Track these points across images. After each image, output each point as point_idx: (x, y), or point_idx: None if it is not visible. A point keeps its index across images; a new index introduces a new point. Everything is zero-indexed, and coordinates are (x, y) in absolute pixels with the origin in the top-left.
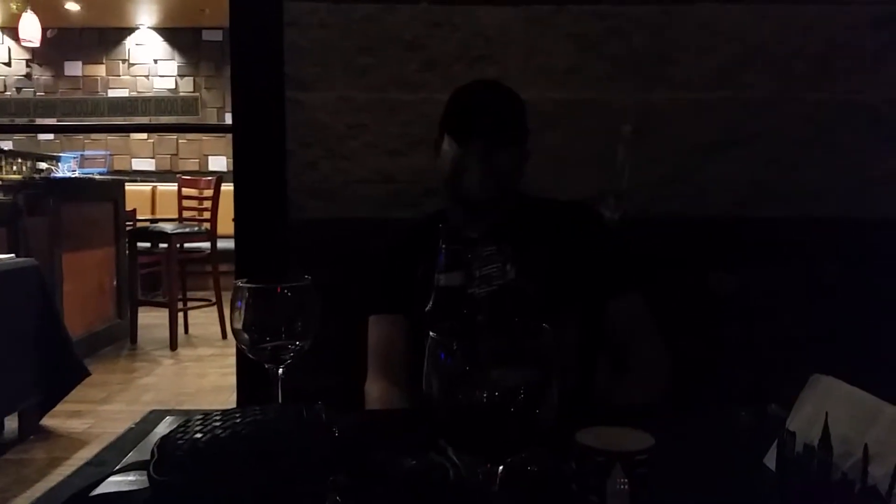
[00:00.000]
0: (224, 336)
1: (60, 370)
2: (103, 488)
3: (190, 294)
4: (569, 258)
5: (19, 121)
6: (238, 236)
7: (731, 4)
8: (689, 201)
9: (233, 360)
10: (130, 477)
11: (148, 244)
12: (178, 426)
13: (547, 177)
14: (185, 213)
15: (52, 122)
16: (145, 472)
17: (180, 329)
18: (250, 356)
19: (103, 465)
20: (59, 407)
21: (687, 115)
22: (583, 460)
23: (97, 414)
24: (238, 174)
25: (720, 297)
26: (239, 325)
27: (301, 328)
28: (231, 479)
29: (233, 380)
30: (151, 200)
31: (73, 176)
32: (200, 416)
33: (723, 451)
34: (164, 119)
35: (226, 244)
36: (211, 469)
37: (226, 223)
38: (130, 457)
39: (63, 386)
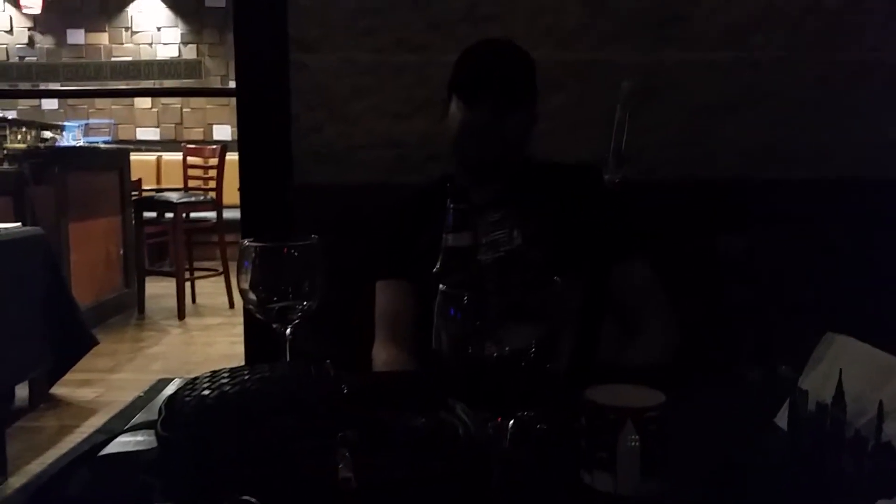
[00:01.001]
0: (231, 305)
1: (69, 339)
2: (111, 448)
3: (196, 264)
4: (576, 223)
5: (22, 86)
6: (243, 200)
7: None
8: (698, 163)
9: (240, 328)
10: (139, 437)
11: (154, 214)
12: (186, 384)
13: (554, 140)
14: (191, 183)
15: (55, 87)
16: (153, 433)
17: (188, 299)
18: (258, 316)
19: (112, 432)
20: (69, 376)
21: (697, 76)
22: (593, 417)
23: (106, 383)
24: (242, 138)
25: (728, 260)
26: (246, 285)
27: (308, 288)
28: (239, 435)
29: (241, 349)
30: (156, 170)
31: (78, 145)
32: (208, 374)
33: (733, 409)
34: (168, 83)
35: (232, 214)
36: (218, 425)
37: (231, 193)
38: (138, 418)
39: (72, 355)
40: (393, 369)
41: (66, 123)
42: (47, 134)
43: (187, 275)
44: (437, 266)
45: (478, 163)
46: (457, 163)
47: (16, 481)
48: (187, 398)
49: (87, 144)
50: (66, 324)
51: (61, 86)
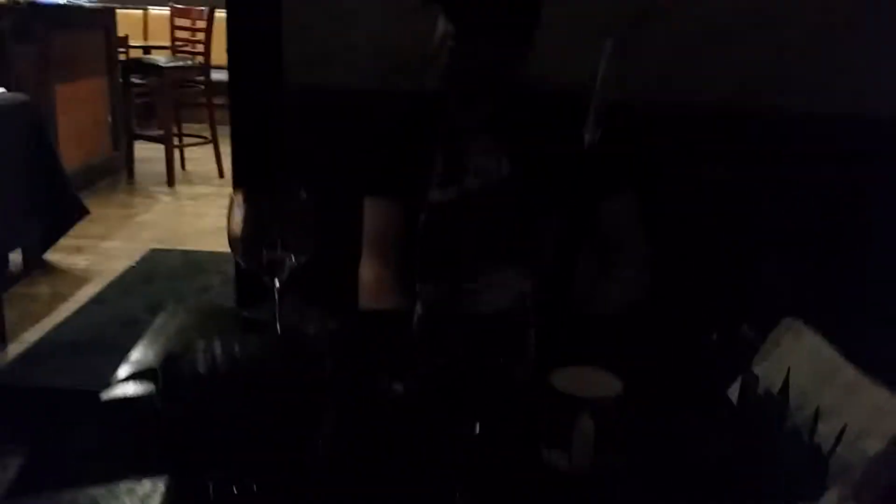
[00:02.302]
0: (221, 175)
1: (59, 206)
2: (112, 392)
3: (186, 126)
4: (564, 153)
5: None
6: (233, 100)
7: None
8: (693, 88)
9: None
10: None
11: (141, 77)
12: (182, 350)
13: (547, 58)
14: (178, 43)
15: None
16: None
17: (177, 165)
18: (244, 266)
19: (105, 302)
20: (61, 242)
21: None
22: (553, 403)
23: (98, 250)
24: (231, 35)
25: (713, 190)
26: (235, 235)
27: (296, 243)
28: (232, 413)
29: None
30: (143, 26)
31: (62, 2)
32: (202, 344)
33: (690, 381)
34: None
35: (220, 75)
36: (212, 404)
37: (220, 52)
38: (131, 287)
39: (63, 222)
40: (378, 289)
41: None
42: None
43: (176, 141)
44: (422, 218)
45: (462, 87)
46: (445, 85)
47: (14, 349)
48: (184, 369)
49: (70, 2)
50: (56, 193)
51: None
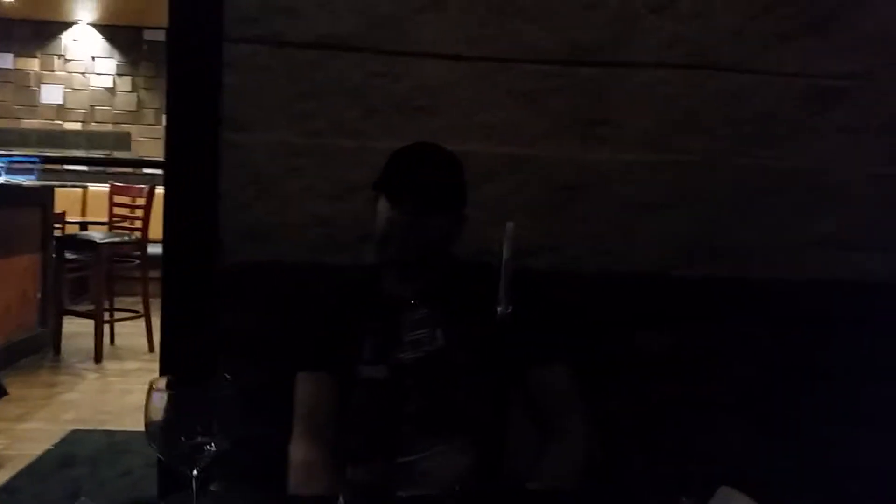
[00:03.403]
0: (151, 349)
1: None
2: None
3: (118, 300)
4: (492, 324)
5: None
6: (166, 277)
7: (668, 70)
8: (622, 257)
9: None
10: None
11: (75, 252)
12: None
13: (483, 231)
14: (116, 219)
15: None
16: None
17: (106, 339)
18: (163, 459)
19: (16, 491)
20: None
21: (622, 174)
22: None
23: (13, 433)
24: (168, 214)
25: (649, 356)
26: (152, 422)
27: (218, 430)
28: None
29: None
30: (82, 202)
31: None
32: None
33: None
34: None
35: (157, 249)
36: None
37: (159, 227)
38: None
39: None
40: (308, 467)
41: None
42: None
43: (107, 316)
44: (354, 398)
45: (401, 262)
46: (380, 260)
47: None
48: None
49: (8, 181)
50: None
51: None
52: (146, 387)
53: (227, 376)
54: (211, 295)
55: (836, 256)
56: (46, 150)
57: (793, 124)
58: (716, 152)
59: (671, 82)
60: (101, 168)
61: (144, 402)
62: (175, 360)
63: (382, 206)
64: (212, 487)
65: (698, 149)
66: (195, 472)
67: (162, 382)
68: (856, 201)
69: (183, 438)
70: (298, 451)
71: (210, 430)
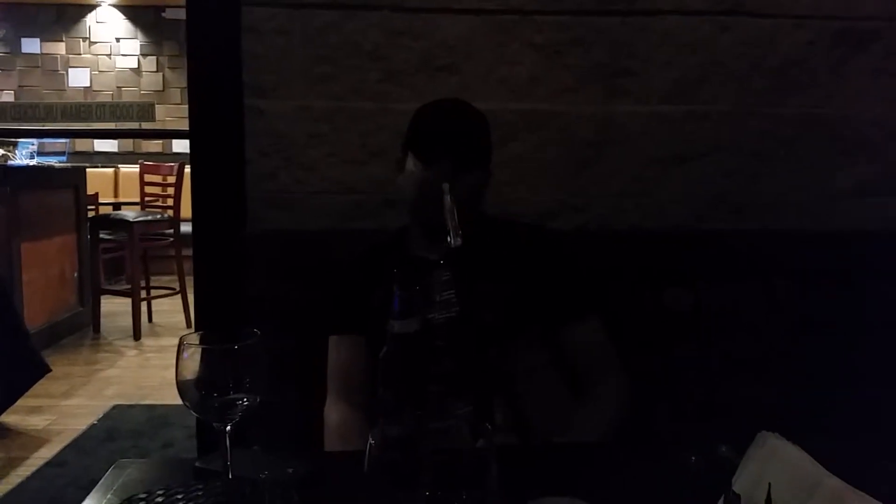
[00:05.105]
0: (189, 325)
1: (19, 366)
2: None
3: (154, 279)
4: (527, 283)
5: None
6: (196, 248)
7: (691, 16)
8: (648, 214)
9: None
10: None
11: (110, 233)
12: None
13: (509, 188)
14: (148, 198)
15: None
16: None
17: (143, 318)
18: (195, 414)
19: (63, 465)
20: (19, 403)
21: (646, 128)
22: None
23: (58, 409)
24: (196, 184)
25: (676, 313)
26: (184, 379)
27: (248, 384)
28: None
29: None
30: (114, 183)
31: (32, 164)
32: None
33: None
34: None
35: (190, 227)
36: None
37: (190, 206)
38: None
39: (22, 383)
40: (344, 429)
41: (19, 140)
42: None
43: (143, 294)
44: (383, 352)
45: (432, 221)
46: (411, 220)
47: None
48: None
49: (40, 163)
50: (16, 351)
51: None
52: None
53: (257, 331)
54: (240, 262)
55: (869, 205)
56: (73, 123)
57: (824, 70)
58: (744, 101)
59: (696, 29)
60: (129, 150)
61: (175, 359)
62: (209, 325)
63: (413, 165)
64: (255, 448)
65: (726, 98)
66: (227, 427)
67: (193, 338)
68: (891, 147)
69: (215, 394)
70: (333, 413)
71: (241, 386)
